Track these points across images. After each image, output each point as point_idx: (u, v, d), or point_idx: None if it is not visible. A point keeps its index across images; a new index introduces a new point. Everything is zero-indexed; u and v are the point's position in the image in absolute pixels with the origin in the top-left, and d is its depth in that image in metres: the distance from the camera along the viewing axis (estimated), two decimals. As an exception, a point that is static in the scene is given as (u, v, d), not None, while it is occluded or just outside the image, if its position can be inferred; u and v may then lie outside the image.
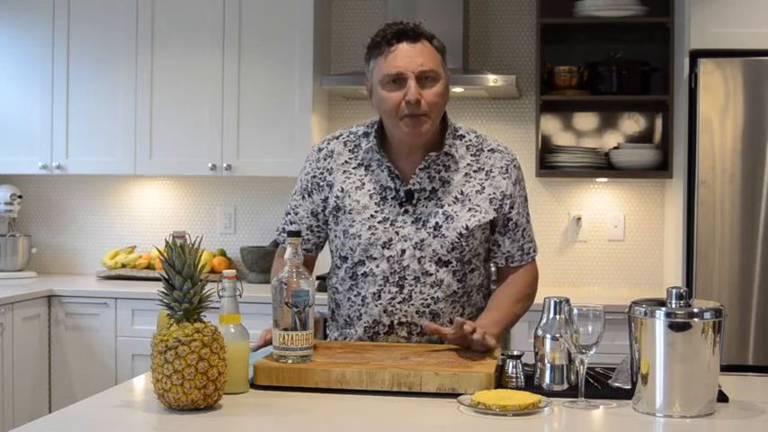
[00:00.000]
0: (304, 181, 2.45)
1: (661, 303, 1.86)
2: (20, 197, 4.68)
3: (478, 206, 2.35)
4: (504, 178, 2.38)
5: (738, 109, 3.75)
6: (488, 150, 2.40)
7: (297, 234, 2.11)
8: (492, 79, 4.08)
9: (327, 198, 2.40)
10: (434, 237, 2.32)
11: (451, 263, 2.34)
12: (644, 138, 4.43)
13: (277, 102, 4.35)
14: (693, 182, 3.80)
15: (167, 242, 1.88)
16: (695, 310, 1.82)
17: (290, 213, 2.47)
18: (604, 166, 4.32)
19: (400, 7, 4.17)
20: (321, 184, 2.41)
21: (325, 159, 2.42)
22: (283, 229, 2.46)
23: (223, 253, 4.68)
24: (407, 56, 2.26)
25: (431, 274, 2.33)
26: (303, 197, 2.44)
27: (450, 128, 2.39)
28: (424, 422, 1.82)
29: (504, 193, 2.37)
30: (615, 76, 4.25)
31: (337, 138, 2.45)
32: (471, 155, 2.39)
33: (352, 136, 2.44)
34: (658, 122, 4.42)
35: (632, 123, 4.45)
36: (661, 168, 4.26)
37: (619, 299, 3.84)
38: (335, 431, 1.78)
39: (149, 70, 4.43)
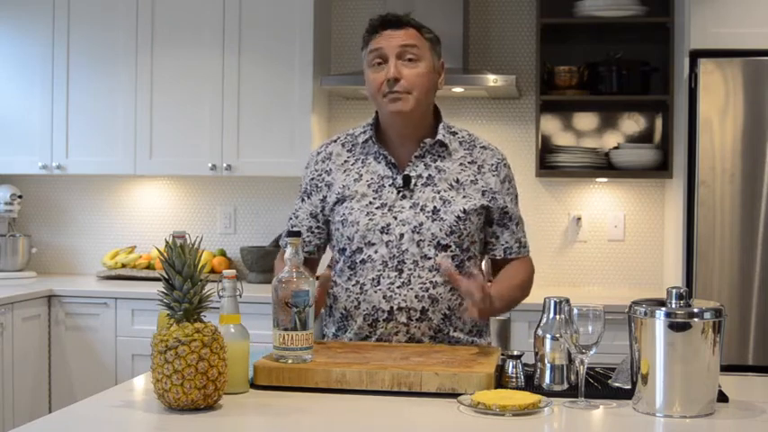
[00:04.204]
0: (304, 185, 2.52)
1: (661, 303, 1.86)
2: (20, 197, 4.68)
3: (471, 195, 2.40)
4: (494, 176, 2.44)
5: (738, 109, 3.75)
6: (480, 147, 2.48)
7: (297, 234, 2.13)
8: (492, 79, 4.08)
9: (326, 197, 2.45)
10: (433, 220, 2.36)
11: (450, 247, 2.36)
12: (644, 138, 4.43)
13: (277, 102, 4.36)
14: (693, 182, 3.80)
15: (167, 242, 1.89)
16: (695, 310, 1.82)
17: (291, 218, 2.53)
18: (604, 166, 4.32)
19: (399, 7, 4.14)
20: (320, 185, 2.46)
21: (323, 161, 2.48)
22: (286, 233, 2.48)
23: (223, 253, 4.68)
24: (389, 38, 2.38)
25: (429, 258, 2.35)
26: (303, 200, 2.50)
27: (443, 122, 2.47)
28: (424, 422, 1.82)
29: (492, 189, 2.43)
30: (615, 76, 4.25)
31: (335, 141, 2.52)
32: (465, 149, 2.45)
33: (349, 137, 2.51)
34: (658, 122, 4.42)
35: (632, 123, 4.45)
36: (661, 168, 4.26)
37: (619, 299, 3.84)
38: (335, 431, 1.78)
39: (149, 70, 4.43)
